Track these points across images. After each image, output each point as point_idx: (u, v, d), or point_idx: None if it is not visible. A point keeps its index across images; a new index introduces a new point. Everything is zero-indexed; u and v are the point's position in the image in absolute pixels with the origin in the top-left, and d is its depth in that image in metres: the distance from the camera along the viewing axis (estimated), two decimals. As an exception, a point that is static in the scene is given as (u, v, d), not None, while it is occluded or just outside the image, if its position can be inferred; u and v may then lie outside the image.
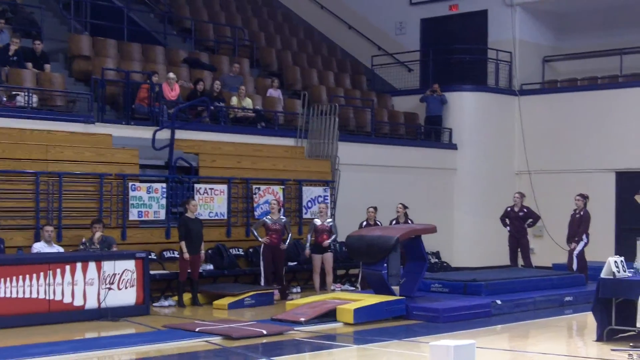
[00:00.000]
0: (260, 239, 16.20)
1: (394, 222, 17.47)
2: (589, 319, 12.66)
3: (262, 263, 16.20)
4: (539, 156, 23.23)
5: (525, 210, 18.56)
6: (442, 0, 25.71)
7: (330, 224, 16.88)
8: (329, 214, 17.01)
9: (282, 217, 16.66)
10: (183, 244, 15.02)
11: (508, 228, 18.55)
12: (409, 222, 17.39)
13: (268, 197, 17.56)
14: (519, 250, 18.60)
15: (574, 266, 17.33)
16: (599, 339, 11.52)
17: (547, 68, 24.97)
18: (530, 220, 18.56)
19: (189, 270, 15.12)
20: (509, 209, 18.61)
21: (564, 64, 25.23)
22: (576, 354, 11.43)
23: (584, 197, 17.57)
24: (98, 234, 14.38)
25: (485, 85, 23.93)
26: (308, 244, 16.83)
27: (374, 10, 26.93)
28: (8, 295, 12.62)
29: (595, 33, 24.50)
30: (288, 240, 16.51)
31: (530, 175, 23.27)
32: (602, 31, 24.37)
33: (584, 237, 17.35)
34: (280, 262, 16.38)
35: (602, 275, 11.61)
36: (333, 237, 16.92)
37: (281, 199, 17.95)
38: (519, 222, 18.43)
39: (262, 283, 16.08)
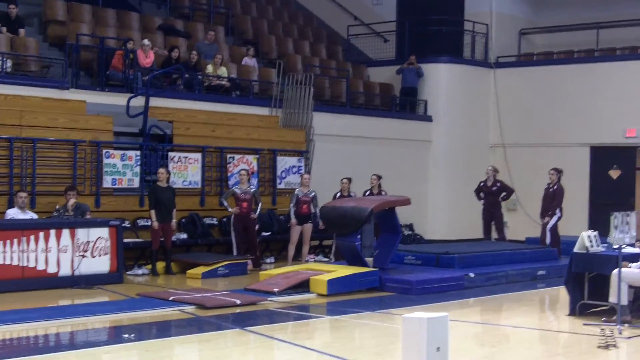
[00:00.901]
0: (229, 209, 16.15)
1: (367, 193, 17.47)
2: (562, 293, 12.78)
3: (233, 233, 16.18)
4: (513, 129, 23.32)
5: (498, 184, 18.63)
6: (419, -29, 25.61)
7: (312, 194, 16.75)
8: (311, 185, 16.90)
9: (251, 186, 16.59)
10: (153, 212, 14.96)
11: (482, 201, 18.64)
12: (383, 193, 17.38)
13: (242, 167, 17.49)
14: (492, 223, 18.70)
15: (547, 240, 17.44)
16: (572, 313, 11.63)
17: (523, 41, 24.99)
18: (504, 194, 18.64)
19: (161, 239, 15.06)
20: (482, 183, 18.68)
21: (540, 37, 25.28)
22: (549, 328, 11.52)
23: (558, 172, 17.65)
24: (72, 201, 14.27)
25: (461, 57, 23.92)
26: (292, 214, 16.69)
27: (351, -20, 26.79)
28: (-20, 261, 12.55)
29: (572, 7, 24.53)
30: (258, 210, 16.42)
31: (504, 148, 23.36)
32: (578, 5, 24.41)
33: (557, 211, 17.44)
34: (252, 232, 16.34)
35: (575, 249, 11.70)
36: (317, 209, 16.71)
37: (255, 168, 17.90)
38: (492, 195, 18.51)
39: (235, 253, 16.06)
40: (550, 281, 15.33)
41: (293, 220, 16.59)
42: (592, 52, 23.33)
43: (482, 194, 18.61)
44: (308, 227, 16.73)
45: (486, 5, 24.29)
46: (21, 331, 10.13)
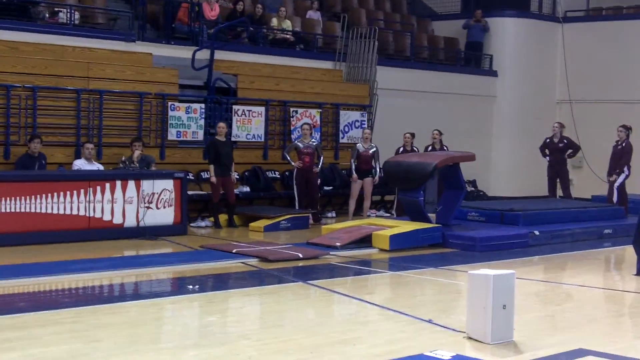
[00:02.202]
0: (292, 163, 16.14)
1: (429, 148, 17.34)
2: (628, 253, 12.58)
3: (295, 187, 16.17)
4: (581, 85, 22.87)
5: (565, 141, 18.35)
6: None
7: (373, 149, 16.61)
8: (372, 139, 16.80)
9: (313, 140, 16.56)
10: (212, 167, 15.03)
11: (547, 158, 18.37)
12: (444, 148, 17.25)
13: (305, 120, 17.47)
14: (557, 181, 18.44)
15: (614, 199, 17.16)
16: (639, 272, 11.45)
17: (592, -5, 24.47)
18: (570, 150, 18.36)
19: (222, 192, 15.15)
20: (548, 139, 18.40)
21: (609, -9, 24.70)
22: (614, 287, 11.36)
23: (627, 129, 17.32)
24: (137, 153, 14.42)
25: (528, 12, 23.51)
26: (353, 169, 16.62)
27: None
28: (49, 211, 12.75)
29: (644, -41, 23.92)
30: (320, 164, 16.40)
31: (571, 104, 22.95)
32: (650, -43, 23.79)
33: (625, 169, 17.14)
34: (314, 186, 16.35)
35: (644, 209, 11.49)
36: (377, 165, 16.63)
37: (318, 122, 17.86)
38: (558, 152, 18.24)
39: (297, 207, 16.10)
40: (617, 240, 15.09)
41: (354, 175, 16.52)
42: (664, 7, 22.75)
43: (547, 151, 18.34)
44: (368, 181, 16.58)
45: (555, -44, 23.78)
46: (87, 280, 10.30)
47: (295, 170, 16.17)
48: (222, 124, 15.43)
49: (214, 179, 15.01)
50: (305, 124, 16.67)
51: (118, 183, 13.46)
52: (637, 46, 22.14)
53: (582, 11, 24.08)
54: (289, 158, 16.18)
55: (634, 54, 22.16)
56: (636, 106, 21.77)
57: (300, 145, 16.23)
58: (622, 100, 22.09)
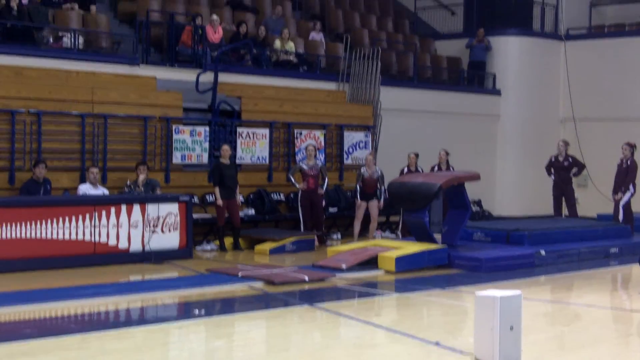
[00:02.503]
0: (297, 185, 16.14)
1: (435, 168, 17.35)
2: (635, 271, 12.58)
3: (300, 209, 16.15)
4: (584, 103, 22.86)
5: (570, 159, 18.32)
6: (488, -58, 25.20)
7: (378, 174, 16.56)
8: (376, 163, 16.77)
9: (317, 162, 16.56)
10: (217, 189, 15.03)
11: (552, 177, 18.34)
12: (451, 169, 17.26)
13: (309, 142, 17.48)
14: (563, 199, 18.41)
15: (620, 217, 17.10)
16: (645, 292, 11.44)
17: (594, 12, 24.51)
18: (575, 169, 18.33)
19: (226, 215, 15.15)
20: (553, 158, 18.38)
21: (611, 8, 24.76)
22: (621, 307, 11.32)
23: (632, 146, 17.28)
24: (142, 177, 14.44)
25: (530, 30, 23.54)
26: (358, 192, 16.61)
27: (419, -48, 26.49)
28: (55, 237, 12.74)
29: (644, -24, 23.99)
30: (325, 186, 16.41)
31: (575, 122, 22.92)
32: (651, -25, 23.86)
33: (630, 187, 17.07)
34: (319, 208, 16.36)
35: (650, 227, 11.48)
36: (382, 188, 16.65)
37: (322, 143, 17.88)
38: (563, 171, 18.20)
39: (302, 229, 16.08)
40: (623, 259, 15.01)
41: (358, 201, 16.53)
42: (666, 23, 22.78)
43: (552, 170, 18.32)
44: (374, 204, 16.59)
45: (556, -24, 23.84)
46: (93, 306, 10.28)
47: (300, 192, 16.16)
48: (226, 147, 15.44)
49: (219, 202, 15.01)
50: (309, 145, 16.68)
51: (123, 207, 13.47)
52: (639, 63, 22.12)
53: (584, 29, 24.12)
54: (293, 180, 16.18)
55: (636, 70, 22.17)
56: (640, 123, 21.79)
57: (305, 167, 16.24)
58: (626, 118, 22.07)
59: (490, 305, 7.46)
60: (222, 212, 15.08)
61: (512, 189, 22.41)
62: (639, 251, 11.83)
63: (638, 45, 22.34)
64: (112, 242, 13.31)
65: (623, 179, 17.16)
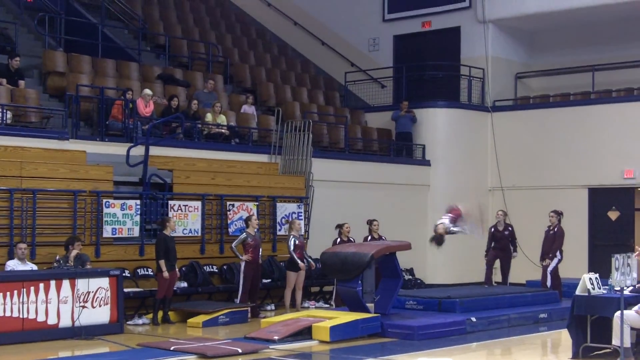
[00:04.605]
0: (241, 257, 16.05)
1: (369, 238, 17.46)
2: (564, 336, 12.72)
3: (242, 280, 15.99)
4: (512, 172, 23.33)
5: (510, 228, 18.63)
6: (415, 17, 25.85)
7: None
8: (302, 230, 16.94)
9: (257, 232, 16.58)
10: (162, 262, 14.94)
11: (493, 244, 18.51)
12: (382, 238, 17.39)
13: (242, 214, 17.51)
14: (494, 267, 18.63)
15: (548, 283, 17.40)
16: (575, 356, 11.59)
17: (519, 84, 25.12)
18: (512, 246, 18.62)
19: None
20: (492, 228, 18.55)
21: (536, 81, 25.43)
22: (551, 372, 11.48)
23: (558, 214, 17.67)
24: (74, 252, 14.27)
25: (458, 102, 24.03)
26: (297, 259, 16.55)
27: (347, 27, 27.02)
28: (-19, 314, 12.50)
29: (567, 50, 24.73)
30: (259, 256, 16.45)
31: (503, 191, 23.37)
32: (573, 48, 24.60)
33: (557, 253, 17.42)
34: (259, 279, 16.33)
35: (577, 292, 11.69)
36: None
37: (255, 215, 17.90)
38: (504, 240, 18.46)
39: (239, 300, 15.98)
40: (553, 324, 15.27)
41: (301, 264, 16.54)
42: (589, 95, 23.43)
43: (493, 243, 18.49)
44: (302, 273, 16.71)
45: (482, 49, 24.46)
46: (22, 384, 10.08)
47: (245, 263, 16.02)
48: (174, 220, 15.49)
49: (166, 275, 14.90)
50: (253, 215, 16.64)
51: (52, 283, 13.27)
52: (564, 133, 22.70)
53: (510, 100, 24.71)
54: (236, 252, 16.05)
55: (561, 140, 22.72)
56: (566, 191, 22.24)
57: (250, 239, 16.14)
58: (552, 186, 22.55)
59: (422, 372, 7.52)
60: (165, 285, 14.97)
61: (443, 258, 22.55)
62: (567, 316, 11.95)
63: (562, 115, 22.94)
64: (41, 318, 13.08)
65: (550, 246, 17.50)
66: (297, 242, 16.60)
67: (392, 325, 13.73)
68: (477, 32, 24.58)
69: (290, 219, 17.71)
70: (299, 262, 16.54)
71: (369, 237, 17.49)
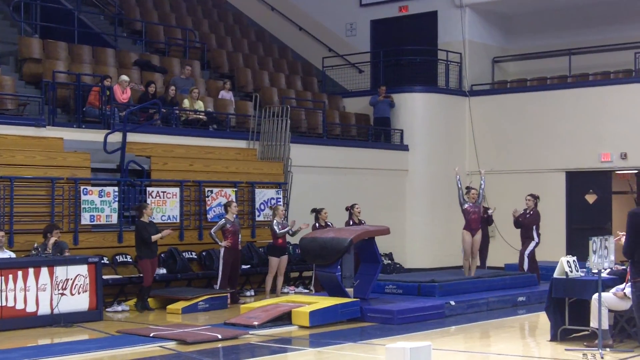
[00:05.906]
0: (220, 243, 16.01)
1: (351, 222, 17.41)
2: (542, 319, 12.82)
3: (222, 266, 15.93)
4: (489, 156, 23.40)
5: (489, 212, 18.66)
6: (392, 2, 25.87)
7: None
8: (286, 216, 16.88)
9: (236, 218, 16.52)
10: (158, 235, 15.05)
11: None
12: (362, 223, 17.39)
13: (220, 200, 17.48)
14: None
15: (525, 266, 17.48)
16: (553, 338, 11.68)
17: (496, 69, 25.21)
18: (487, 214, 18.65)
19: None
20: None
21: (513, 65, 25.53)
22: (531, 354, 11.56)
23: (535, 197, 17.73)
24: (53, 240, 14.21)
25: (435, 86, 24.07)
26: (278, 230, 16.32)
27: (325, 12, 27.00)
28: (-42, 302, 12.44)
29: (544, 34, 24.83)
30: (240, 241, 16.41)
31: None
32: (550, 32, 24.71)
33: (535, 236, 17.48)
34: (239, 265, 16.32)
35: (555, 275, 11.78)
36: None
37: (233, 201, 17.87)
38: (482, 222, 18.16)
39: (218, 286, 15.95)
40: (531, 307, 15.38)
41: (281, 231, 16.26)
42: (565, 78, 23.55)
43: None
44: (284, 259, 16.66)
45: (459, 34, 24.50)
46: (1, 372, 10.06)
47: (224, 249, 15.97)
48: (151, 207, 15.48)
49: (167, 232, 15.15)
50: (232, 202, 16.56)
51: (30, 270, 13.21)
52: (541, 117, 22.82)
53: (488, 84, 24.78)
54: (216, 238, 16.00)
55: (539, 124, 22.84)
56: (543, 175, 22.39)
57: (229, 225, 16.08)
58: (529, 170, 22.68)
59: (401, 356, 7.58)
60: (149, 271, 14.94)
61: (422, 242, 22.70)
62: (545, 299, 12.04)
63: (539, 99, 23.04)
64: (20, 305, 13.03)
65: (526, 231, 17.54)
66: (281, 227, 16.54)
67: (371, 309, 13.78)
68: (454, 16, 24.62)
69: (273, 206, 17.64)
70: (279, 230, 16.27)
71: (350, 222, 17.48)
